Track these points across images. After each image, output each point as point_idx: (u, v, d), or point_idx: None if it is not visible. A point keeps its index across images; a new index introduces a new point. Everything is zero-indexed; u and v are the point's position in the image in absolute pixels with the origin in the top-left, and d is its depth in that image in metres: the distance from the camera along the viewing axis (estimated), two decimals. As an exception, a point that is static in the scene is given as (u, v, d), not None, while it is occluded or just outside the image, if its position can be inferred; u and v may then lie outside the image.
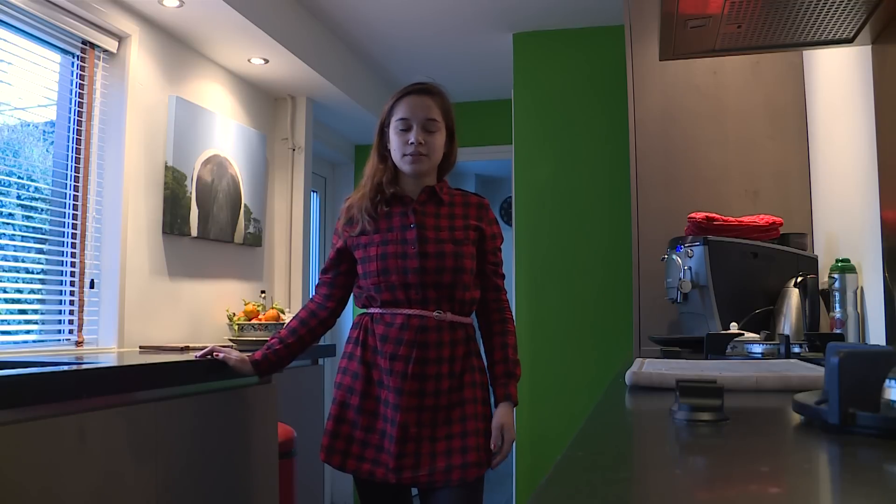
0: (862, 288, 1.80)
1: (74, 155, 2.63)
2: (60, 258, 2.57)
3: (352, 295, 1.94)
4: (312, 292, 1.97)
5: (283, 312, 3.24)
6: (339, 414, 1.79)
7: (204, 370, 1.94)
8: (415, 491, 1.85)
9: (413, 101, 1.80)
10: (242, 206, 3.46)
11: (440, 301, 1.76)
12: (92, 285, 2.66)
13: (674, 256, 2.18)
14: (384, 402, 1.75)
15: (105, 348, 2.66)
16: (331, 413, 1.81)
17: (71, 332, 2.59)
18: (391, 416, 1.72)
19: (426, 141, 1.78)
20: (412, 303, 1.76)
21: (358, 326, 1.83)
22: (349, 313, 4.69)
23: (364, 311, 1.85)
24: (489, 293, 1.88)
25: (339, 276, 1.88)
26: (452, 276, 1.76)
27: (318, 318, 1.89)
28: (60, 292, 2.57)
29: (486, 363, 1.86)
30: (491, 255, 1.87)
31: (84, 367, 1.76)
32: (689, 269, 2.11)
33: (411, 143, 1.77)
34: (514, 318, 1.95)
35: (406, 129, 1.79)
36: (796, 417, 0.80)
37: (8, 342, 2.35)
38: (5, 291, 2.38)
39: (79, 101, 2.64)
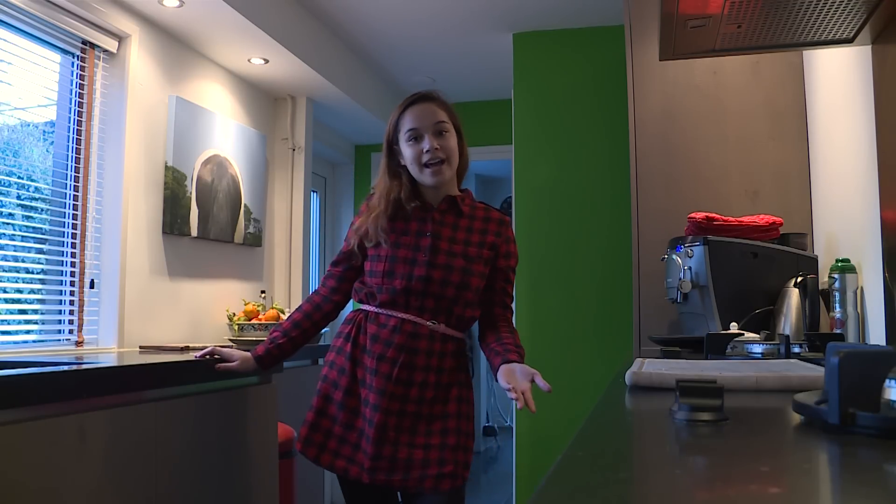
0: (862, 288, 1.80)
1: (74, 155, 2.63)
2: (60, 258, 2.57)
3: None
4: (314, 288, 1.94)
5: (283, 312, 3.24)
6: (320, 407, 1.79)
7: (204, 370, 1.94)
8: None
9: (419, 110, 1.77)
10: (242, 206, 3.46)
11: (437, 312, 1.75)
12: (92, 285, 2.66)
13: (674, 256, 2.18)
14: (364, 402, 1.74)
15: (105, 348, 2.66)
16: (313, 404, 1.80)
17: (71, 332, 2.59)
18: (370, 416, 1.72)
19: (441, 145, 1.75)
20: (409, 308, 1.74)
21: (351, 322, 1.82)
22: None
23: (359, 307, 1.84)
24: (496, 308, 1.84)
25: (349, 270, 1.87)
26: (455, 292, 1.74)
27: (322, 311, 1.88)
28: (60, 292, 2.57)
29: (494, 351, 1.78)
30: (502, 274, 1.84)
31: (84, 367, 1.76)
32: (689, 269, 2.11)
33: (427, 151, 1.74)
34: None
35: (418, 139, 1.76)
36: (796, 417, 0.80)
37: (8, 342, 2.35)
38: (5, 291, 2.38)
39: (79, 101, 2.64)
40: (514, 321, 1.90)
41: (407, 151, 1.78)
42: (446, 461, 1.70)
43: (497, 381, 1.70)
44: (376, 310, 1.78)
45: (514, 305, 3.64)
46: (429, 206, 1.81)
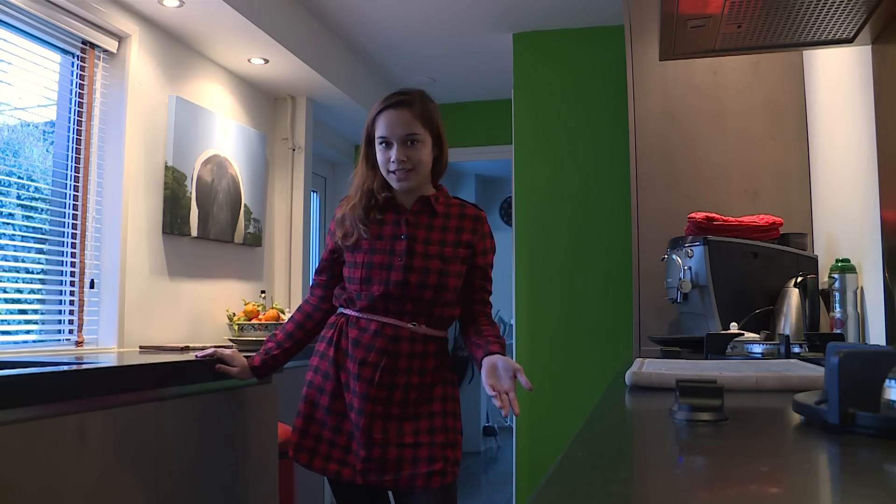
0: (862, 288, 1.80)
1: (74, 155, 2.63)
2: (60, 258, 2.57)
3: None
4: (309, 290, 1.96)
5: (283, 312, 3.24)
6: (308, 412, 1.80)
7: (204, 370, 1.94)
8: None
9: (390, 118, 1.74)
10: (242, 206, 3.46)
11: (417, 314, 1.75)
12: (92, 285, 2.66)
13: (674, 256, 2.18)
14: (349, 406, 1.75)
15: (105, 348, 2.66)
16: (300, 410, 1.81)
17: (71, 332, 2.59)
18: (355, 420, 1.73)
19: (409, 157, 1.73)
20: (389, 312, 1.74)
21: (333, 327, 1.82)
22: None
23: (341, 311, 1.84)
24: (476, 306, 1.84)
25: (333, 277, 1.87)
26: (434, 293, 1.74)
27: (313, 320, 1.89)
28: (60, 292, 2.57)
29: (476, 344, 1.78)
30: (480, 271, 1.84)
31: (84, 367, 1.76)
32: (689, 269, 2.11)
33: (393, 161, 1.73)
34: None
35: (387, 147, 1.75)
36: (796, 417, 0.80)
37: (8, 342, 2.35)
38: (5, 291, 2.38)
39: (79, 101, 2.64)
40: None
41: (378, 155, 1.78)
42: (436, 458, 1.71)
43: (481, 375, 1.68)
44: (357, 314, 1.78)
45: (513, 306, 3.66)
46: (402, 209, 1.80)
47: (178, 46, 3.08)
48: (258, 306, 3.20)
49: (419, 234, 1.77)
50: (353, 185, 1.84)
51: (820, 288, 1.95)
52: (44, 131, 2.57)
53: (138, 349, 2.65)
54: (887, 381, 0.70)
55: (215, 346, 2.00)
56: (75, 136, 2.63)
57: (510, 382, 1.60)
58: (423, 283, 1.73)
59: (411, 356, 1.74)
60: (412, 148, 1.74)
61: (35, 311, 2.50)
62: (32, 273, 2.49)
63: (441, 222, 1.80)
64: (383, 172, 1.78)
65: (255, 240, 3.58)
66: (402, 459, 1.71)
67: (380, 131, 1.76)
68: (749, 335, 1.73)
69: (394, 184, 1.77)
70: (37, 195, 2.52)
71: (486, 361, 1.68)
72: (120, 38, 2.76)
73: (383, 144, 1.76)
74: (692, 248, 2.11)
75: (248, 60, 3.34)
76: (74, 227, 2.61)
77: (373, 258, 1.75)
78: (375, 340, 1.73)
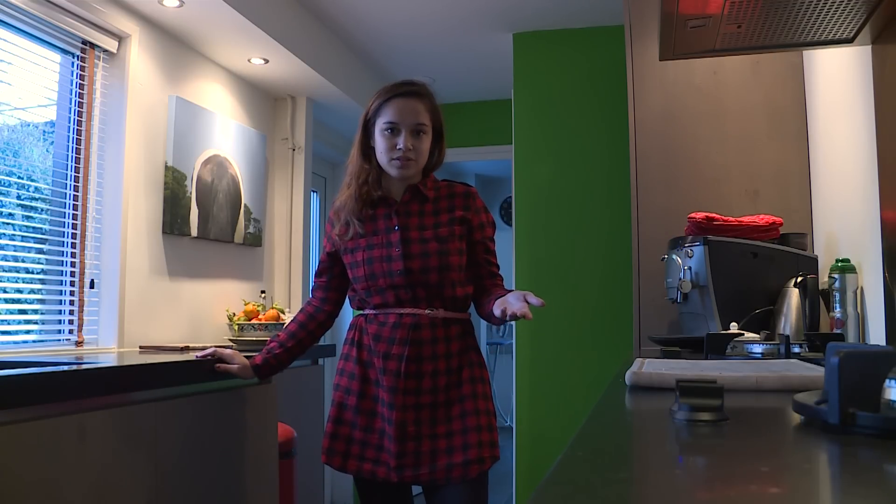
0: (862, 288, 1.80)
1: (74, 155, 2.63)
2: (60, 258, 2.57)
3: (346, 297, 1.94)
4: (311, 293, 1.97)
5: (283, 312, 3.24)
6: (337, 415, 1.80)
7: (204, 370, 1.94)
8: (416, 489, 1.85)
9: (402, 105, 1.76)
10: (242, 206, 3.46)
11: (431, 299, 1.76)
12: (92, 285, 2.66)
13: (674, 256, 2.18)
14: (381, 402, 1.75)
15: (105, 348, 2.66)
16: (330, 415, 1.82)
17: (71, 332, 2.59)
18: (388, 415, 1.72)
19: (414, 146, 1.76)
20: (403, 302, 1.76)
21: (353, 328, 1.84)
22: (348, 312, 4.69)
23: (359, 312, 1.86)
24: (485, 280, 1.85)
25: (333, 279, 1.89)
26: (439, 276, 1.75)
27: (316, 321, 1.90)
28: (60, 292, 2.57)
29: (489, 303, 1.75)
30: (481, 246, 1.84)
31: (84, 367, 1.76)
32: (689, 269, 2.11)
33: (399, 149, 1.75)
34: None
35: (393, 133, 1.76)
36: (796, 417, 0.80)
37: (8, 342, 2.35)
38: (5, 291, 2.38)
39: (79, 101, 2.64)
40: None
41: (380, 141, 1.78)
42: (470, 445, 1.70)
43: (502, 320, 1.64)
44: (374, 311, 1.80)
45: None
46: (392, 202, 1.81)
47: (178, 46, 3.08)
48: (258, 306, 3.20)
49: (411, 221, 1.79)
50: (347, 174, 1.85)
51: (820, 288, 1.95)
52: (44, 131, 2.57)
53: (138, 349, 2.65)
54: (887, 381, 0.70)
55: (215, 346, 2.01)
56: (75, 136, 2.63)
57: (521, 304, 1.58)
58: (425, 267, 1.74)
59: (434, 342, 1.75)
60: (418, 138, 1.77)
61: (35, 311, 2.50)
62: (32, 273, 2.49)
63: (432, 207, 1.82)
64: (384, 159, 1.79)
65: (255, 240, 3.58)
66: (436, 450, 1.70)
67: (388, 117, 1.77)
68: (749, 335, 1.73)
69: (393, 171, 1.78)
70: (37, 195, 2.52)
71: (497, 301, 1.66)
72: (120, 38, 2.76)
73: (389, 130, 1.76)
74: (692, 248, 2.11)
75: (248, 60, 3.34)
76: (74, 227, 2.60)
77: (371, 253, 1.77)
78: (395, 332, 1.74)
